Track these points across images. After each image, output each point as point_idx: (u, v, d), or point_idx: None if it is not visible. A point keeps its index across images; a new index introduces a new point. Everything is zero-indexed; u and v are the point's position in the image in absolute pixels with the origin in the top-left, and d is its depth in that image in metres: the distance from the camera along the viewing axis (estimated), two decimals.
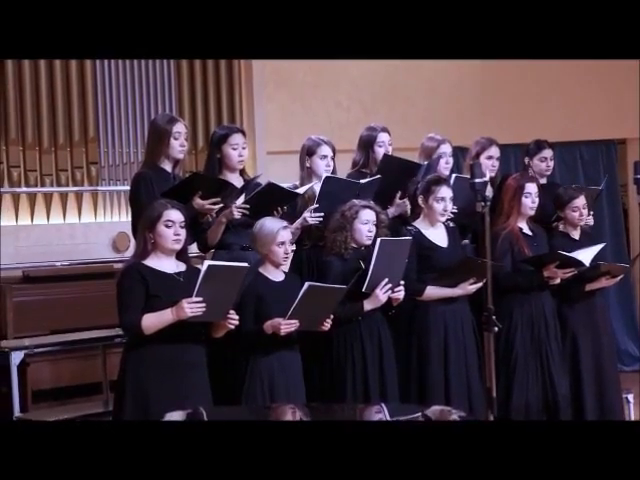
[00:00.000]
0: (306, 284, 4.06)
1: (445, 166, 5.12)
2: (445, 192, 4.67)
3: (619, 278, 5.14)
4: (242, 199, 4.52)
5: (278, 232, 4.20)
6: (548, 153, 5.43)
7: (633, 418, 5.27)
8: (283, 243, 4.22)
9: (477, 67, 7.80)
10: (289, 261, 4.40)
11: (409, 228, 4.71)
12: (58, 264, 6.55)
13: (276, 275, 4.28)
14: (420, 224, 4.75)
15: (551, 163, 5.44)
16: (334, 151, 4.85)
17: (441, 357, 4.62)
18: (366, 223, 4.46)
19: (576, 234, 5.12)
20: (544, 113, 7.87)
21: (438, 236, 4.75)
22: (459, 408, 4.02)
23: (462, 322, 4.70)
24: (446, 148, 5.18)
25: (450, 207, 4.71)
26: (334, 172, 4.85)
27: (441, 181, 4.71)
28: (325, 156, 4.80)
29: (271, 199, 4.46)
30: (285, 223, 4.30)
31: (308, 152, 4.83)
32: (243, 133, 4.69)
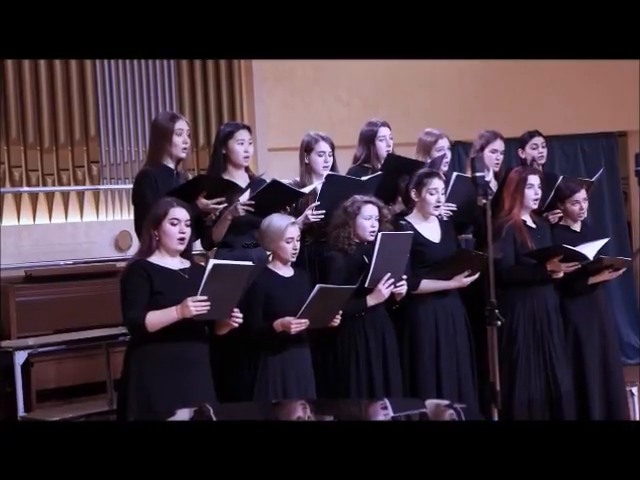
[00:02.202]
0: (317, 286, 4.08)
1: (444, 161, 5.12)
2: (437, 184, 4.67)
3: (622, 271, 5.14)
4: (247, 196, 4.53)
5: (286, 228, 4.22)
6: (539, 140, 5.46)
7: (637, 411, 5.27)
8: (291, 239, 4.23)
9: (478, 61, 7.78)
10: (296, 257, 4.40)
11: (402, 222, 4.70)
12: (61, 263, 6.55)
13: (285, 271, 4.29)
14: (413, 219, 4.74)
15: (543, 150, 5.46)
16: (333, 147, 4.84)
17: (432, 351, 4.62)
18: (369, 218, 4.46)
19: (577, 227, 5.13)
20: (545, 106, 7.87)
21: (431, 231, 4.74)
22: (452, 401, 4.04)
23: (453, 316, 4.70)
24: (444, 142, 5.18)
25: (443, 199, 4.71)
26: (333, 167, 4.84)
27: (433, 174, 4.71)
28: (323, 152, 4.79)
29: (275, 197, 4.45)
30: (293, 219, 4.32)
31: (306, 148, 4.83)
32: (249, 129, 4.70)
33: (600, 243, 4.84)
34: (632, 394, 5.23)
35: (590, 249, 4.77)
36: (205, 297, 3.75)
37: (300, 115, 7.52)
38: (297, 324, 4.09)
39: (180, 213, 3.91)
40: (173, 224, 3.90)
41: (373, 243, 4.39)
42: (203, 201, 4.31)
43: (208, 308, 3.77)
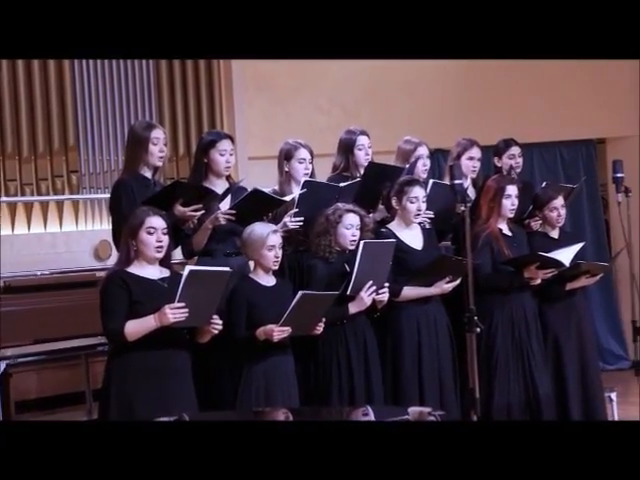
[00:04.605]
0: (299, 293, 4.09)
1: (423, 168, 5.13)
2: (418, 192, 4.69)
3: (599, 277, 5.17)
4: (227, 203, 4.52)
5: (268, 236, 4.22)
6: (516, 150, 5.48)
7: (616, 417, 5.29)
8: (273, 247, 4.24)
9: (458, 70, 7.83)
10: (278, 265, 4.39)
11: (383, 230, 4.71)
12: (38, 274, 6.51)
13: (267, 280, 4.30)
14: (395, 227, 4.75)
15: (520, 160, 5.49)
16: (312, 154, 4.85)
17: (415, 358, 4.63)
18: (350, 228, 4.47)
19: (555, 233, 5.16)
20: (525, 114, 7.91)
21: (413, 238, 4.76)
22: (433, 408, 4.04)
23: (435, 323, 4.71)
24: (423, 150, 5.19)
25: (424, 207, 4.72)
26: (313, 175, 4.85)
27: (413, 182, 4.73)
28: (303, 160, 4.80)
29: (256, 205, 4.46)
30: (274, 227, 4.32)
31: (286, 156, 4.83)
32: (231, 139, 4.69)
33: (575, 248, 4.87)
34: (611, 400, 5.25)
35: (566, 255, 4.80)
36: (183, 304, 3.74)
37: (280, 124, 7.52)
38: (279, 332, 4.09)
39: (156, 222, 3.90)
40: (150, 233, 3.89)
41: (355, 251, 4.39)
42: (180, 208, 4.30)
43: (186, 315, 3.76)
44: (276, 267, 4.30)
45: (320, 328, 4.24)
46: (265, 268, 4.28)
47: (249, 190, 4.52)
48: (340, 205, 4.51)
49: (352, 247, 4.46)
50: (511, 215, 4.97)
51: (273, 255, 4.24)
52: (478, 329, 3.83)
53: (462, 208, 3.97)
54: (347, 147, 5.07)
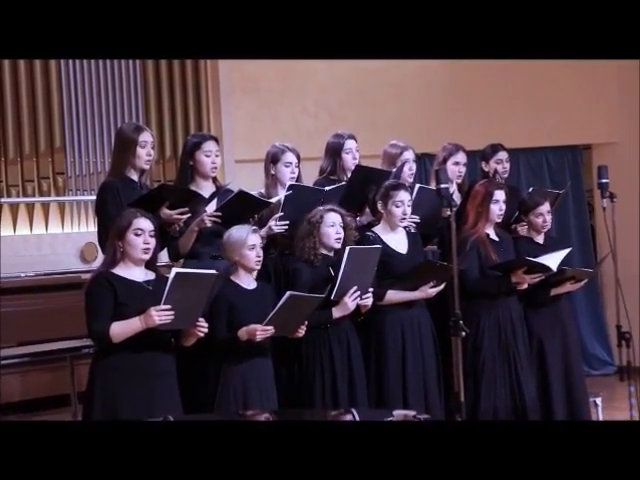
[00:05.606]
0: (287, 293, 4.08)
1: (409, 173, 5.15)
2: (403, 196, 4.70)
3: (583, 282, 5.19)
4: (213, 206, 4.52)
5: (248, 236, 4.22)
6: (503, 155, 5.49)
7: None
8: (254, 246, 4.23)
9: (444, 74, 7.86)
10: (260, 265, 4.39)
11: (368, 234, 4.72)
12: (24, 275, 6.50)
13: (249, 283, 4.29)
14: (380, 230, 4.77)
15: (507, 165, 5.50)
16: (299, 158, 4.86)
17: (399, 362, 4.64)
18: (332, 225, 4.48)
19: (540, 238, 5.19)
20: (511, 119, 7.95)
21: (398, 242, 4.77)
22: (418, 411, 4.05)
23: (420, 326, 4.72)
24: (409, 154, 5.20)
25: (409, 211, 4.74)
26: (299, 179, 4.85)
27: (399, 186, 4.74)
28: (290, 163, 4.80)
29: (242, 207, 4.46)
30: (254, 227, 4.32)
31: (272, 159, 4.83)
32: (216, 141, 4.70)
33: (563, 253, 4.88)
34: (596, 404, 5.27)
35: (553, 260, 4.81)
36: (168, 306, 3.74)
37: (267, 127, 7.54)
38: (262, 331, 4.09)
39: (144, 223, 3.90)
40: (137, 234, 3.89)
41: (340, 256, 4.39)
42: (166, 211, 4.30)
43: (172, 317, 3.75)
44: (258, 267, 4.30)
45: (302, 331, 4.24)
46: (248, 269, 4.27)
47: (235, 192, 4.52)
48: (320, 207, 4.52)
49: (338, 245, 4.47)
50: (499, 220, 4.98)
51: (255, 255, 4.24)
52: (463, 333, 3.83)
53: (448, 212, 3.98)
54: (335, 151, 5.08)
